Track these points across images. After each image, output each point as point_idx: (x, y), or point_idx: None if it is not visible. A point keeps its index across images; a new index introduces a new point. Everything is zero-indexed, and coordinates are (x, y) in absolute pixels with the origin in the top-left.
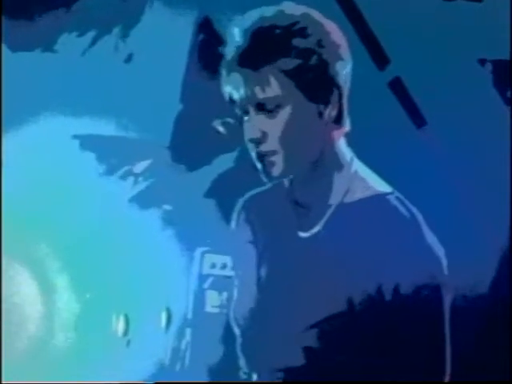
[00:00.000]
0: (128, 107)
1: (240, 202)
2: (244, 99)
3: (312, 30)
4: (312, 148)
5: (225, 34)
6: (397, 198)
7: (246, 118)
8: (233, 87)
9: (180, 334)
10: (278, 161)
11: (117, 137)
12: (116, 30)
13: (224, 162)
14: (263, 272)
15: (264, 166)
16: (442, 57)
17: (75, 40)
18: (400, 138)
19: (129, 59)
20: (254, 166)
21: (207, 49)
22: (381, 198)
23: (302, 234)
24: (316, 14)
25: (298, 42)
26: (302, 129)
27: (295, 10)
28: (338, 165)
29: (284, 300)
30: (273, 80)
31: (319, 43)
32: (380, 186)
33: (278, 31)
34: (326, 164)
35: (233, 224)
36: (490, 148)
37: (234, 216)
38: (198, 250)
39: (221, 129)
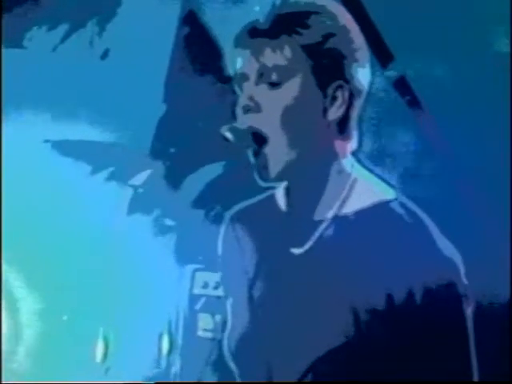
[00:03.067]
0: (104, 108)
1: (227, 216)
2: (247, 66)
3: (335, 18)
4: (309, 144)
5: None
6: (401, 204)
7: (244, 85)
8: (238, 58)
9: (169, 361)
10: (272, 156)
11: (93, 142)
12: (90, 24)
13: (214, 170)
14: (256, 295)
15: (259, 165)
16: (448, 53)
17: (45, 35)
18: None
19: (105, 55)
20: (250, 175)
21: (193, 44)
22: (383, 206)
23: (295, 251)
24: (342, 12)
25: (320, 19)
26: (301, 116)
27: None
28: (337, 170)
29: (282, 326)
30: (287, 47)
31: (341, 31)
32: (382, 192)
33: (301, 7)
34: (322, 168)
35: (219, 241)
36: (505, 148)
37: (221, 232)
38: (189, 268)
39: (229, 135)
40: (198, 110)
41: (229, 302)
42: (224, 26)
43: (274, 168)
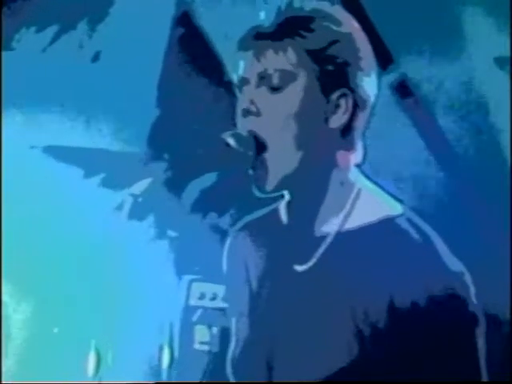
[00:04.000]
0: (95, 112)
1: (231, 231)
2: (248, 69)
3: (341, 25)
4: (310, 153)
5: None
6: (408, 219)
7: (244, 88)
8: (240, 61)
9: (164, 376)
10: (271, 165)
11: (83, 148)
12: (81, 25)
13: (211, 177)
14: (260, 312)
15: (257, 176)
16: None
17: (34, 36)
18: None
19: (96, 58)
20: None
21: (188, 45)
22: (389, 222)
23: (298, 268)
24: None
25: (324, 25)
26: (302, 122)
27: (324, 6)
28: (340, 182)
29: (286, 343)
30: (290, 50)
31: (347, 38)
32: (388, 207)
33: (306, 13)
34: (324, 179)
35: (224, 256)
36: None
37: (226, 247)
38: (185, 278)
39: (231, 142)
40: (193, 113)
41: (233, 318)
42: (224, 29)
43: (273, 179)
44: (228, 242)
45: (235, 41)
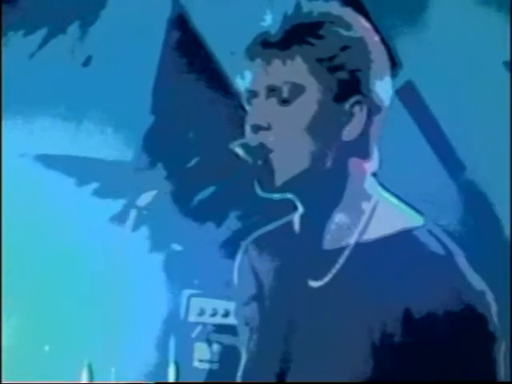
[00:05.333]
0: (87, 120)
1: (243, 244)
2: (256, 81)
3: (352, 29)
4: (324, 162)
5: None
6: (429, 231)
7: (253, 101)
8: (246, 72)
9: None
10: (278, 163)
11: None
12: (71, 28)
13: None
14: (273, 329)
15: (262, 173)
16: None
17: (22, 40)
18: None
19: (87, 62)
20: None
21: (184, 50)
22: (409, 234)
23: (313, 284)
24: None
25: (334, 30)
26: (315, 133)
27: (334, 9)
28: (356, 192)
29: (300, 361)
30: (299, 59)
31: (358, 42)
32: (408, 218)
33: (315, 17)
34: (339, 189)
35: (235, 271)
36: None
37: (237, 261)
38: (184, 293)
39: (240, 152)
40: (190, 121)
41: (243, 335)
42: (222, 32)
43: (280, 177)
44: (239, 255)
45: (234, 45)
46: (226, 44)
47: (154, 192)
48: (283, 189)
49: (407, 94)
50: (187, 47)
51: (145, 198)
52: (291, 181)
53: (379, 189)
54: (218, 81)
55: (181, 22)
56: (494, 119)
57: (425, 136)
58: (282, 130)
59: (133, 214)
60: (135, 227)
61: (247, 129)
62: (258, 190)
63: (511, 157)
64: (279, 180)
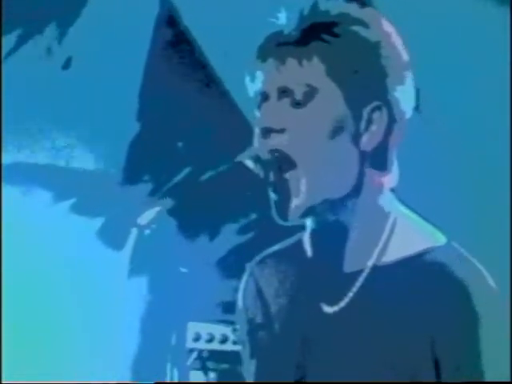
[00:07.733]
0: (66, 127)
1: (249, 265)
2: (267, 83)
3: (371, 30)
4: (339, 175)
5: None
6: (453, 250)
7: (263, 104)
8: (257, 72)
9: None
10: (296, 183)
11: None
12: (49, 28)
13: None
14: (283, 358)
15: (279, 201)
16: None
17: None
18: None
19: (67, 65)
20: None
21: (173, 51)
22: (432, 254)
23: (328, 309)
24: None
25: (352, 30)
26: (329, 141)
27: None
28: (373, 209)
29: None
30: (315, 59)
31: (378, 44)
32: (430, 236)
33: (332, 18)
34: (355, 205)
35: (240, 293)
36: None
37: (242, 283)
38: (180, 318)
39: (251, 165)
40: (179, 128)
41: (248, 362)
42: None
43: (297, 207)
44: (244, 277)
45: (228, 47)
46: (219, 44)
47: (157, 209)
48: (301, 217)
49: None
50: (177, 47)
51: (147, 216)
52: (308, 209)
53: (398, 204)
54: (210, 85)
55: (170, 20)
56: (493, 119)
57: None
58: (298, 134)
59: (133, 233)
60: (135, 248)
61: (256, 133)
62: (277, 219)
63: (511, 157)
64: (295, 212)
